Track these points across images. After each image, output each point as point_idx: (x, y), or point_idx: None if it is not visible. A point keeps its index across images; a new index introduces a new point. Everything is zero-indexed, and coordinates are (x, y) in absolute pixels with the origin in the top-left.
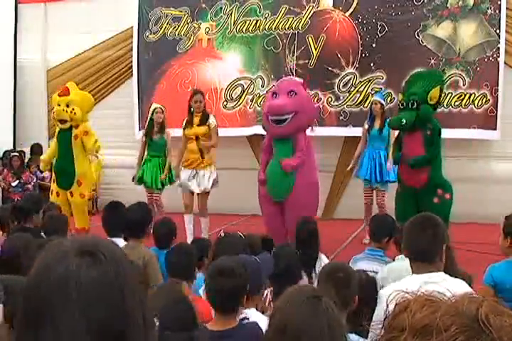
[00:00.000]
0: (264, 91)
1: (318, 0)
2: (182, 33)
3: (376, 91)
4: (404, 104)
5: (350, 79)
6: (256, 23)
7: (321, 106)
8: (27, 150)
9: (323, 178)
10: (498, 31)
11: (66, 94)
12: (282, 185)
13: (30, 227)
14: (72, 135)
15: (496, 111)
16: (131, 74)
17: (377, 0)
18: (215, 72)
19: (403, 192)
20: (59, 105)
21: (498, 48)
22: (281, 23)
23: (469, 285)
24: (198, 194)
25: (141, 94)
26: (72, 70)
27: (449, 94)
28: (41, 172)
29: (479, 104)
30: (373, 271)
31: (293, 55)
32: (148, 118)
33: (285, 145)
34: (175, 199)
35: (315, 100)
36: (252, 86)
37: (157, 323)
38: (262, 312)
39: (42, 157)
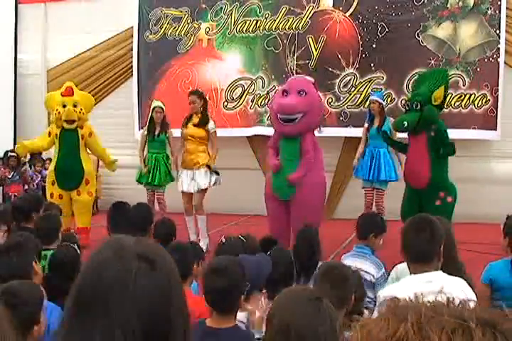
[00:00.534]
0: (265, 92)
1: (318, 0)
2: (182, 33)
3: (374, 91)
4: (409, 104)
5: (350, 79)
6: (256, 24)
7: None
8: None
9: None
10: (498, 31)
11: (71, 95)
12: (286, 185)
13: (30, 227)
14: (79, 135)
15: (496, 111)
16: (131, 75)
17: (377, 0)
18: (216, 73)
19: (408, 192)
20: (64, 106)
21: (498, 49)
22: (282, 24)
23: (464, 271)
24: (194, 192)
25: (141, 94)
26: (72, 70)
27: (449, 95)
28: (45, 169)
29: (479, 104)
30: (360, 269)
31: (293, 56)
32: (149, 115)
33: (292, 145)
34: (175, 199)
35: None
36: (253, 86)
37: None
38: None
39: (24, 141)
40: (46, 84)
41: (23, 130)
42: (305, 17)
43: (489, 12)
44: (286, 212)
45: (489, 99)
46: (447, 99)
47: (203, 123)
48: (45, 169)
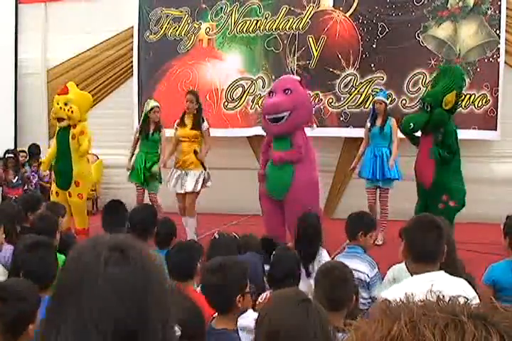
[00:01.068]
0: (265, 92)
1: (318, 0)
2: (182, 33)
3: (378, 91)
4: (422, 103)
5: (350, 80)
6: (256, 24)
7: (321, 107)
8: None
9: (323, 178)
10: (498, 32)
11: (65, 93)
12: (281, 183)
13: (25, 226)
14: (70, 135)
15: (496, 111)
16: (131, 75)
17: (377, 0)
18: (216, 73)
19: (419, 191)
20: (58, 104)
21: (498, 49)
22: (282, 24)
23: (463, 269)
24: (185, 193)
25: (142, 94)
26: (73, 70)
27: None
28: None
29: (479, 104)
30: (353, 269)
31: (294, 56)
32: (143, 114)
33: (283, 143)
34: (176, 199)
35: (316, 101)
36: (253, 86)
37: (178, 333)
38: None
39: (42, 159)
40: (46, 84)
41: (24, 130)
42: (305, 17)
43: (489, 12)
44: (281, 211)
45: (489, 100)
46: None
47: (197, 125)
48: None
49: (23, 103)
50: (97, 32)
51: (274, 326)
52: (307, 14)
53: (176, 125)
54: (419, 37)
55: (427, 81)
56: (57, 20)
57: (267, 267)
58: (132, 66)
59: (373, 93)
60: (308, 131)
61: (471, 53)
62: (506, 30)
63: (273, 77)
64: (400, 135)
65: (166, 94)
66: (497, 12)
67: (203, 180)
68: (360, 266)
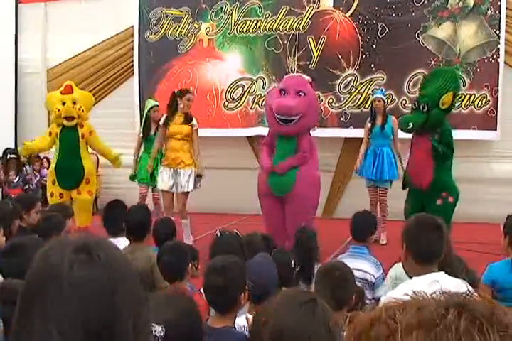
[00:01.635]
0: (266, 92)
1: (318, 0)
2: (183, 33)
3: (376, 89)
4: (416, 104)
5: (351, 80)
6: (257, 24)
7: (322, 108)
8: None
9: (323, 178)
10: (498, 32)
11: (70, 92)
12: (284, 181)
13: (23, 226)
14: (80, 134)
15: (496, 111)
16: (131, 74)
17: (377, 1)
18: (216, 73)
19: (411, 193)
20: (63, 103)
21: (498, 49)
22: (282, 24)
23: (463, 269)
24: (177, 194)
25: (142, 94)
26: (72, 70)
27: (459, 96)
28: (44, 168)
29: (479, 104)
30: (356, 268)
31: (294, 56)
32: (145, 114)
33: (288, 145)
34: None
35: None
36: (253, 87)
37: (162, 333)
38: None
39: (27, 143)
40: (46, 84)
41: (24, 129)
42: (305, 17)
43: (489, 12)
44: (282, 208)
45: (489, 100)
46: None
47: (188, 120)
48: (44, 168)
49: (23, 103)
50: (97, 32)
51: (278, 326)
52: (307, 14)
53: (162, 124)
54: (419, 37)
55: None
56: (57, 19)
57: None
58: (132, 66)
59: (373, 93)
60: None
61: (471, 53)
62: (506, 30)
63: (273, 78)
64: (402, 135)
65: (166, 94)
66: (497, 12)
67: (194, 180)
68: (366, 267)
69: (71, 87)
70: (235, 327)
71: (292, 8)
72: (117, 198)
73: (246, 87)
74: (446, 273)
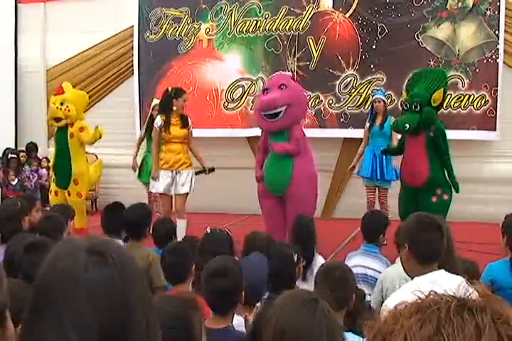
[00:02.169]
0: None
1: (318, 1)
2: (182, 34)
3: (376, 90)
4: (408, 105)
5: (350, 80)
6: (256, 24)
7: (322, 108)
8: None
9: (322, 178)
10: (497, 32)
11: (61, 93)
12: (280, 179)
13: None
14: (68, 133)
15: (495, 111)
16: (131, 74)
17: (377, 1)
18: (216, 73)
19: (405, 192)
20: (54, 104)
21: (497, 49)
22: (282, 24)
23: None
24: (176, 194)
25: (143, 95)
26: (72, 70)
27: (449, 96)
28: (42, 168)
29: (478, 105)
30: (368, 267)
31: (294, 57)
32: (149, 114)
33: (280, 139)
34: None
35: (316, 102)
36: (253, 87)
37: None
38: None
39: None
40: (46, 84)
41: (24, 129)
42: (305, 18)
43: (488, 13)
44: (282, 208)
45: (488, 100)
46: (446, 100)
47: (186, 124)
48: (42, 168)
49: (23, 102)
50: (97, 31)
51: (280, 326)
52: (307, 15)
53: (158, 127)
54: (418, 38)
55: None
56: (57, 19)
57: None
58: (132, 66)
59: (372, 94)
60: (308, 132)
61: (470, 54)
62: (505, 31)
63: None
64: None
65: None
66: (496, 12)
67: (191, 180)
68: (377, 265)
69: (62, 88)
70: (233, 327)
71: (292, 9)
72: (116, 200)
73: (246, 88)
74: (446, 271)
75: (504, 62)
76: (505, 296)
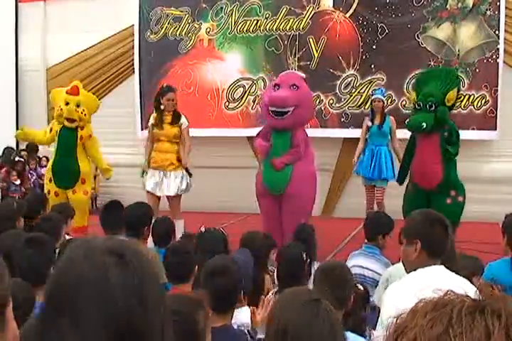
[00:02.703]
0: None
1: (318, 0)
2: (183, 33)
3: (375, 89)
4: (421, 104)
5: (351, 81)
6: (257, 23)
7: (322, 108)
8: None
9: (322, 177)
10: (497, 32)
11: (76, 94)
12: (280, 178)
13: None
14: (78, 136)
15: (496, 111)
16: (131, 74)
17: (377, 1)
18: (217, 73)
19: (414, 192)
20: (67, 103)
21: (497, 49)
22: (282, 24)
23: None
24: (168, 196)
25: (143, 95)
26: (72, 69)
27: (461, 97)
28: (41, 167)
29: (478, 105)
30: (366, 268)
31: (294, 57)
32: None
33: (283, 139)
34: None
35: (317, 102)
36: (254, 87)
37: None
38: None
39: (26, 129)
40: (46, 83)
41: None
42: (305, 17)
43: (488, 13)
44: (279, 208)
45: (488, 100)
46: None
47: (176, 120)
48: (41, 167)
49: (23, 102)
50: (97, 31)
51: (282, 324)
52: (307, 14)
53: (150, 125)
54: (418, 38)
55: None
56: (57, 18)
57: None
58: (132, 65)
59: (372, 93)
60: (309, 132)
61: (471, 54)
62: (505, 30)
63: (274, 78)
64: (400, 135)
65: None
66: (496, 12)
67: (186, 183)
68: (375, 266)
69: (77, 89)
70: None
71: (292, 8)
72: (116, 198)
73: (247, 87)
74: (446, 268)
75: (504, 62)
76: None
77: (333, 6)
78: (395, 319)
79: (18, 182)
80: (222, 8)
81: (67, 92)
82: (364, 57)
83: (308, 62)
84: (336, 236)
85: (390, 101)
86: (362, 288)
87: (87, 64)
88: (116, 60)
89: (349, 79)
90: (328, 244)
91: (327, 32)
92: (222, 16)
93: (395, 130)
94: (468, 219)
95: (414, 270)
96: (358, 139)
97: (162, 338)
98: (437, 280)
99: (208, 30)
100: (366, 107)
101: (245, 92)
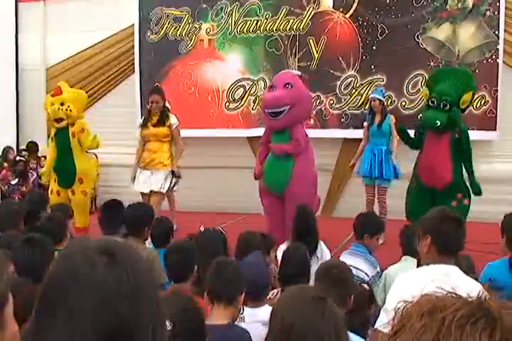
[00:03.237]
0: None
1: (318, 1)
2: (183, 34)
3: (375, 89)
4: (435, 102)
5: (351, 81)
6: (257, 24)
7: (323, 109)
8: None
9: (322, 177)
10: (496, 33)
11: (59, 94)
12: (280, 178)
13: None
14: (70, 133)
15: (496, 112)
16: (131, 73)
17: (377, 2)
18: (217, 73)
19: (420, 191)
20: (53, 105)
21: (497, 49)
22: (282, 25)
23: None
24: (150, 192)
25: (143, 94)
26: (72, 69)
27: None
28: (41, 166)
29: (478, 105)
30: (353, 266)
31: (295, 57)
32: None
33: (282, 138)
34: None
35: (317, 102)
36: (254, 87)
37: (169, 327)
38: None
39: (41, 170)
40: (46, 83)
41: (25, 129)
42: (305, 18)
43: (488, 13)
44: (282, 206)
45: (488, 100)
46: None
47: (161, 122)
48: (41, 166)
49: (24, 101)
50: (97, 30)
51: (287, 321)
52: (307, 15)
53: (139, 125)
54: (418, 38)
55: None
56: (57, 18)
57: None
58: (132, 65)
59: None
60: (309, 132)
61: (470, 54)
62: (505, 30)
63: None
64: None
65: (167, 94)
66: (496, 13)
67: (171, 182)
68: (362, 265)
69: (60, 89)
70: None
71: (292, 9)
72: (116, 198)
73: (247, 88)
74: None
75: (504, 62)
76: (504, 296)
77: (333, 7)
78: (401, 307)
79: (14, 181)
80: (222, 8)
81: (52, 95)
82: (364, 57)
83: (309, 63)
84: (336, 236)
85: (389, 101)
86: (367, 288)
87: (87, 64)
88: (116, 60)
89: (349, 80)
90: (328, 243)
91: (327, 32)
92: (222, 16)
93: (395, 129)
94: (468, 219)
95: (427, 264)
96: (358, 139)
97: (154, 338)
98: (445, 280)
99: (208, 30)
100: (366, 108)
101: (246, 93)
